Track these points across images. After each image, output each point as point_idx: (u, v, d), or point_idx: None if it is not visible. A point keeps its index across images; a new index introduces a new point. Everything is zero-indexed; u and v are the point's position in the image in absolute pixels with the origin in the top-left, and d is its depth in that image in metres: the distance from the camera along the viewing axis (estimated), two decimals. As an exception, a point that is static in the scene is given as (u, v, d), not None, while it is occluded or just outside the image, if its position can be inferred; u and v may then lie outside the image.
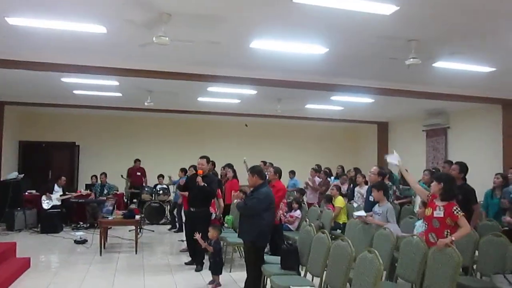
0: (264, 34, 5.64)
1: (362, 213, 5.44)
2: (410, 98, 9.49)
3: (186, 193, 6.86)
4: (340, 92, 9.34)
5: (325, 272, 4.14)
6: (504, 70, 7.23)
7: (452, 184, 4.11)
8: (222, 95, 10.38)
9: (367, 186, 8.05)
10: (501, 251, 4.34)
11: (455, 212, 3.83)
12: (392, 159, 4.90)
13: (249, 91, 9.68)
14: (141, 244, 7.51)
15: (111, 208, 7.48)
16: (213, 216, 7.35)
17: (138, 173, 12.01)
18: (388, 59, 6.66)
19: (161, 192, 10.73)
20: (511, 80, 8.09)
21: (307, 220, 5.46)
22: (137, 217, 7.41)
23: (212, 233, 5.73)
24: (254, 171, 5.19)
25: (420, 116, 12.74)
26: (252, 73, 7.66)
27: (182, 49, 6.33)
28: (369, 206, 5.82)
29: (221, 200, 7.65)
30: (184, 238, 8.43)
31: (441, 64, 6.92)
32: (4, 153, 11.34)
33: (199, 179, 6.36)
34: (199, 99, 10.88)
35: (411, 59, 5.82)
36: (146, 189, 10.90)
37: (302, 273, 4.58)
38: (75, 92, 9.89)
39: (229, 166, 9.00)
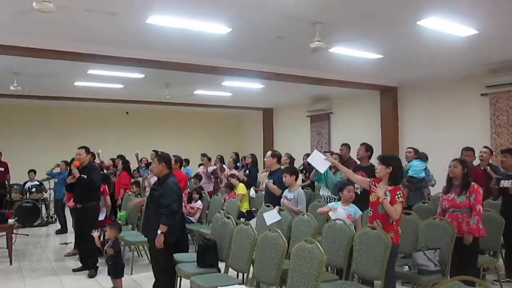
0: (165, 8, 5.04)
1: (273, 215, 4.98)
2: (299, 83, 9.62)
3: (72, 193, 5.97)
4: (234, 76, 9.07)
5: (251, 267, 3.83)
6: (390, 57, 7.64)
7: (401, 168, 4.01)
8: (103, 79, 9.39)
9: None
10: (411, 228, 4.50)
11: (396, 197, 3.71)
12: (316, 159, 4.47)
13: (136, 74, 8.87)
14: (15, 252, 6.35)
15: (-25, 212, 6.18)
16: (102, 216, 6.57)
17: (1, 168, 10.27)
18: (289, 43, 6.59)
19: (33, 189, 9.33)
20: (392, 67, 8.65)
21: (222, 211, 5.05)
22: (11, 221, 6.23)
23: (109, 232, 5.03)
24: (163, 159, 4.66)
25: (305, 102, 13.16)
26: (145, 53, 6.95)
27: (61, 22, 5.38)
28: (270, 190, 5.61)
29: (107, 198, 6.88)
30: (69, 241, 7.49)
31: (337, 50, 7.03)
32: None
33: (74, 170, 5.69)
34: (77, 83, 9.73)
35: (316, 42, 5.74)
36: (15, 187, 9.41)
37: (222, 270, 4.20)
38: None
39: (120, 157, 8.17)
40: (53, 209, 9.44)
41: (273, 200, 5.40)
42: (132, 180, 7.92)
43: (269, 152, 5.86)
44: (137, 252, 6.26)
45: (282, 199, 5.14)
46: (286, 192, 5.20)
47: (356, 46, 6.95)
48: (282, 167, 5.87)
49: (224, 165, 9.73)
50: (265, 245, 3.64)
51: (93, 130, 13.30)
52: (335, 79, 9.30)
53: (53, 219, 9.30)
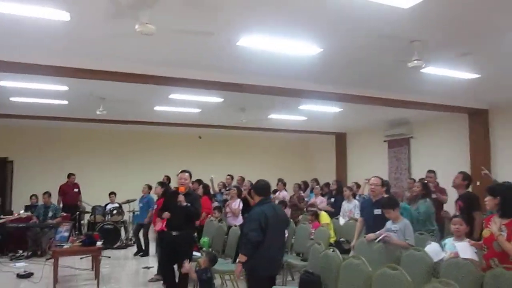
0: (260, 28, 4.89)
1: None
2: (377, 106, 9.16)
3: (167, 215, 5.76)
4: (314, 99, 8.79)
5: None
6: (487, 76, 7.05)
7: None
8: (183, 104, 9.47)
9: (355, 200, 7.52)
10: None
11: None
12: (464, 249, 3.93)
13: (216, 98, 8.85)
14: (100, 274, 6.35)
15: (66, 234, 6.24)
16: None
17: (76, 190, 10.52)
18: (379, 63, 6.27)
19: (114, 212, 9.50)
20: (485, 88, 7.98)
21: (321, 243, 4.69)
22: (99, 243, 6.26)
23: (202, 260, 4.87)
24: (253, 187, 4.53)
25: (381, 126, 12.60)
26: (229, 77, 6.87)
27: (152, 45, 5.39)
28: (375, 221, 5.17)
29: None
30: (150, 265, 7.43)
31: (429, 70, 6.58)
32: None
33: (181, 197, 5.29)
34: (156, 108, 9.89)
35: (415, 61, 5.39)
36: (98, 208, 9.64)
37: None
38: (13, 99, 8.52)
39: (198, 181, 8.09)
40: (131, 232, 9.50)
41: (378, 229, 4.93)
42: (214, 205, 7.79)
43: (378, 180, 5.33)
44: (223, 282, 6.03)
45: (385, 233, 4.65)
46: (389, 224, 4.73)
47: (452, 65, 6.47)
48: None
49: (301, 192, 9.43)
50: (384, 284, 3.24)
51: (168, 154, 13.56)
52: (419, 101, 8.73)
53: (132, 242, 9.35)
